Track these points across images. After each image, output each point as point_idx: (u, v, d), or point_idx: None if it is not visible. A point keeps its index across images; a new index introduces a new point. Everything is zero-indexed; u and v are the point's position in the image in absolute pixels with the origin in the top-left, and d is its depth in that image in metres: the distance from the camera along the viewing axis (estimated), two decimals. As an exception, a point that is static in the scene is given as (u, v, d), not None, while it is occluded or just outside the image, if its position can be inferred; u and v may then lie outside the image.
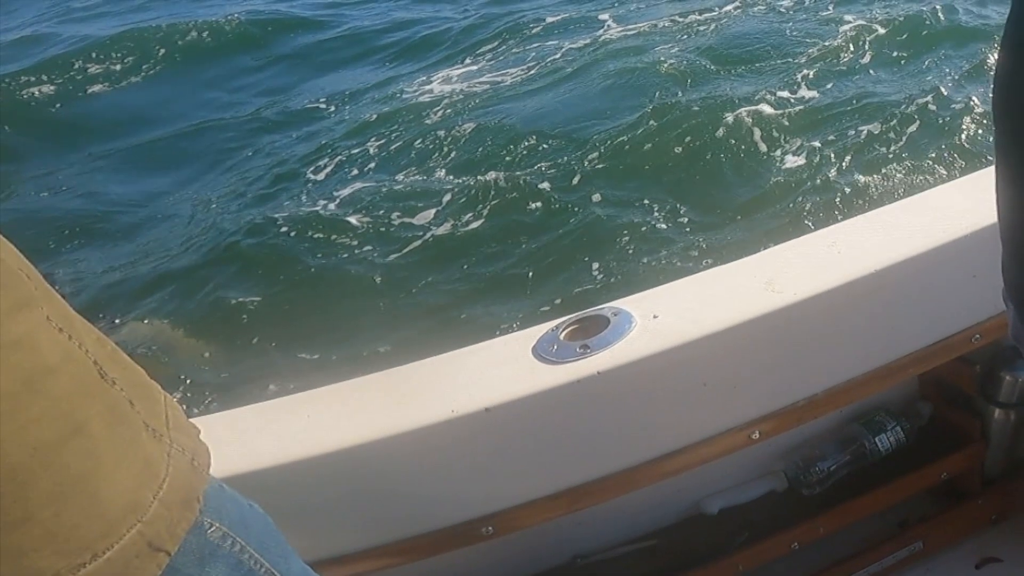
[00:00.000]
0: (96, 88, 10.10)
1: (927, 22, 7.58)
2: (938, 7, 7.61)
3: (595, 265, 5.03)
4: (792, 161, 5.77)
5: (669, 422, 1.66)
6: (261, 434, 1.63)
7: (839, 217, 4.79)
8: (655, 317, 1.61)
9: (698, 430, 1.66)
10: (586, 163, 6.18)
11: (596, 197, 5.74)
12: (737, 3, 8.87)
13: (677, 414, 1.66)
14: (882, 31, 7.76)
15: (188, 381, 4.66)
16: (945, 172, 5.42)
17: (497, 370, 1.62)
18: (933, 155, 5.64)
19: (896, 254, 1.61)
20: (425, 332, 4.71)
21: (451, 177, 6.37)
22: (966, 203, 1.71)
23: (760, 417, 1.68)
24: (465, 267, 5.28)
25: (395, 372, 1.72)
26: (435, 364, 1.71)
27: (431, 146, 6.94)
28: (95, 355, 0.88)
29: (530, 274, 5.09)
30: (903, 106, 6.18)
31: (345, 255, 5.66)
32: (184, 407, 1.07)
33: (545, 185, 5.99)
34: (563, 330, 1.66)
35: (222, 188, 6.92)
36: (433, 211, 5.93)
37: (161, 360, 4.85)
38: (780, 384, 1.68)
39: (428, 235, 5.69)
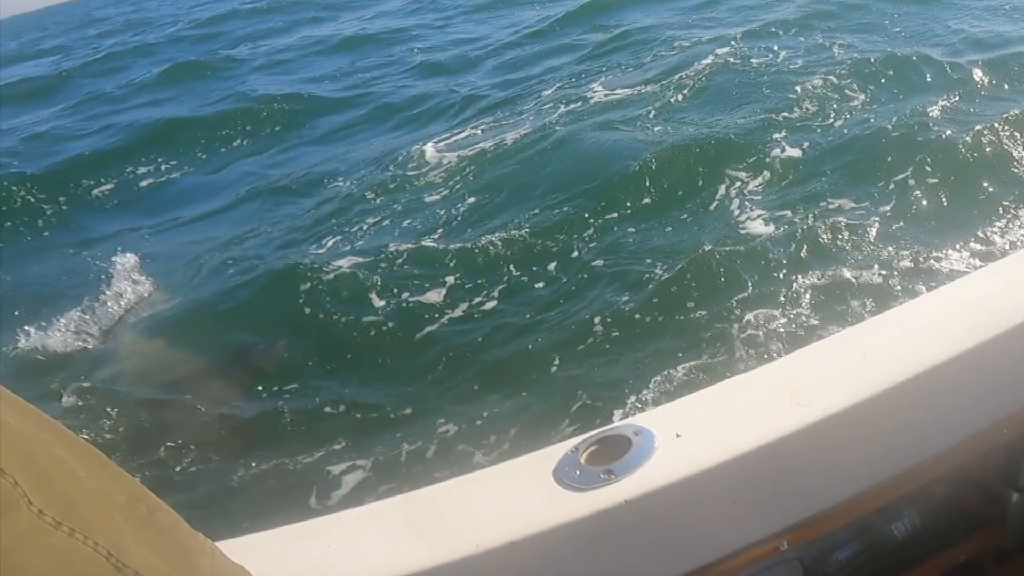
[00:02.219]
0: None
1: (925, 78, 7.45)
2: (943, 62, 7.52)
3: (607, 367, 4.57)
4: (806, 255, 5.25)
5: (696, 541, 1.49)
6: (279, 564, 1.46)
7: (862, 312, 4.52)
8: (678, 436, 1.44)
9: (725, 546, 1.48)
10: (587, 253, 5.84)
11: (609, 294, 5.28)
12: (711, 63, 8.83)
13: (704, 533, 1.49)
14: (868, 88, 7.58)
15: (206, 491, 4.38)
16: (964, 259, 4.96)
17: (519, 498, 1.44)
18: (947, 242, 5.15)
19: (922, 358, 1.44)
20: (440, 433, 4.43)
21: (453, 259, 6.08)
22: (986, 297, 1.53)
23: (788, 528, 1.50)
24: (477, 362, 4.95)
25: (415, 497, 1.55)
26: (455, 489, 1.54)
27: (441, 221, 6.81)
28: (110, 540, 0.71)
29: (544, 375, 4.66)
30: (912, 190, 5.79)
31: (352, 348, 5.38)
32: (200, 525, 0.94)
33: (546, 281, 5.63)
34: (583, 452, 1.48)
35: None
36: (441, 296, 5.65)
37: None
38: (809, 493, 1.51)
39: (437, 324, 5.38)
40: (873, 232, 5.32)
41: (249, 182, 9.31)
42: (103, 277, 6.98)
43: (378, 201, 7.51)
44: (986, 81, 7.30)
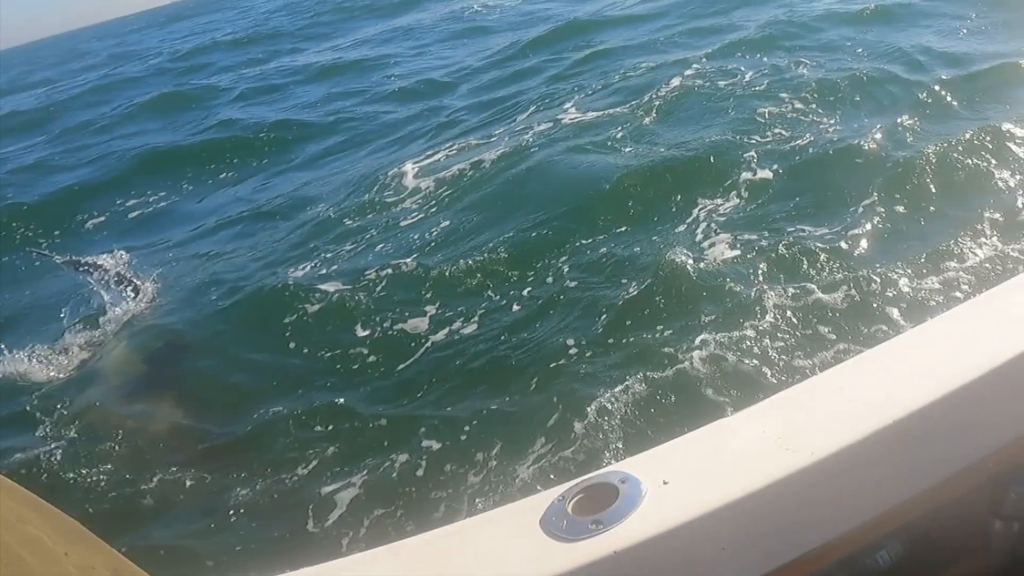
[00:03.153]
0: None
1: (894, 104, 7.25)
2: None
3: (587, 410, 4.19)
4: (783, 286, 4.92)
5: (686, 587, 1.41)
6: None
7: (835, 339, 4.33)
8: (665, 483, 1.37)
9: (714, 589, 1.41)
10: (562, 278, 5.62)
11: (590, 331, 4.92)
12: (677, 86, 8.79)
13: (694, 578, 1.41)
14: (833, 108, 7.43)
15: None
16: (937, 282, 4.69)
17: (508, 549, 1.38)
18: (917, 263, 4.89)
19: (906, 399, 1.38)
20: (426, 449, 4.30)
21: (430, 284, 5.93)
22: (966, 335, 1.48)
23: (776, 568, 1.43)
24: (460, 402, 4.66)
25: (404, 547, 1.48)
26: (443, 539, 1.47)
27: (417, 245, 6.68)
28: None
29: (523, 414, 4.36)
30: (881, 212, 5.58)
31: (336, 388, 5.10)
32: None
33: (527, 313, 5.34)
34: (570, 501, 1.41)
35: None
36: (423, 323, 5.46)
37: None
38: (797, 535, 1.44)
39: (418, 350, 5.18)
40: (844, 256, 5.11)
41: (233, 208, 9.27)
42: (88, 303, 6.88)
43: (358, 225, 7.43)
44: (948, 99, 7.23)
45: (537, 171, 7.35)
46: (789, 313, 4.62)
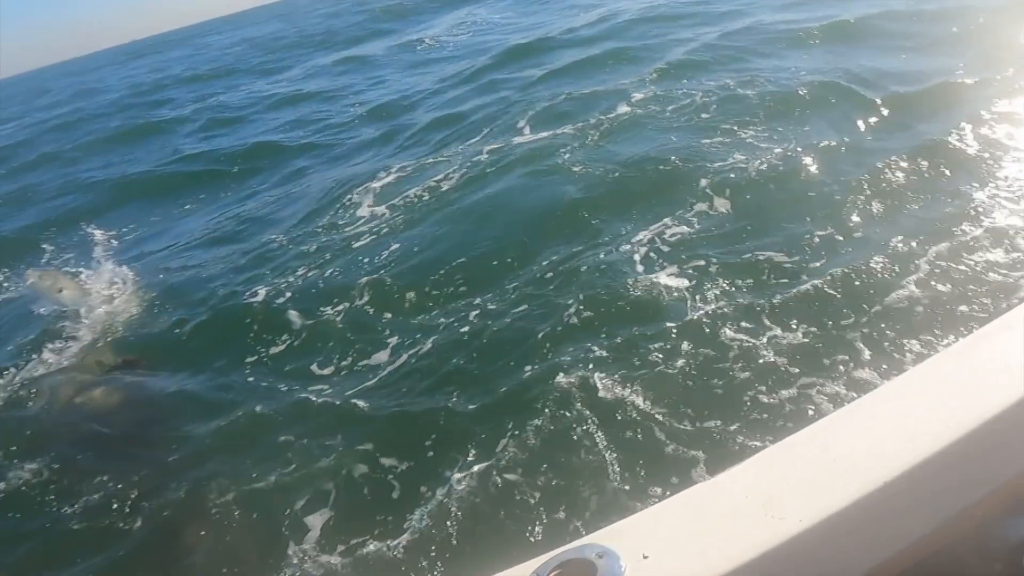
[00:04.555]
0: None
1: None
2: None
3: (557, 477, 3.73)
4: (757, 336, 4.39)
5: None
6: None
7: (822, 403, 3.81)
8: (645, 557, 1.20)
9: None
10: (513, 310, 5.19)
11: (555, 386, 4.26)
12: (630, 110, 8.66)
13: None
14: (780, 126, 7.24)
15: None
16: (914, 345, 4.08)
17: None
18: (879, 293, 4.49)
19: (892, 452, 1.23)
20: (394, 477, 3.98)
21: (385, 313, 5.62)
22: (949, 384, 1.34)
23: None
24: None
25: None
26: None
27: (372, 269, 6.37)
28: None
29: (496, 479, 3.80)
30: (839, 237, 5.21)
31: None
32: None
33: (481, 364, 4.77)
34: (545, 580, 1.23)
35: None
36: (385, 356, 5.06)
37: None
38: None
39: (376, 385, 4.78)
40: (804, 287, 4.68)
41: (199, 231, 9.05)
42: (53, 326, 6.55)
43: (317, 246, 7.21)
44: (892, 117, 7.12)
45: (490, 195, 7.19)
46: (759, 353, 4.22)
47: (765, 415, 3.81)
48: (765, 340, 4.31)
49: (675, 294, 4.90)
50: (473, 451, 3.97)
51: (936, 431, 1.26)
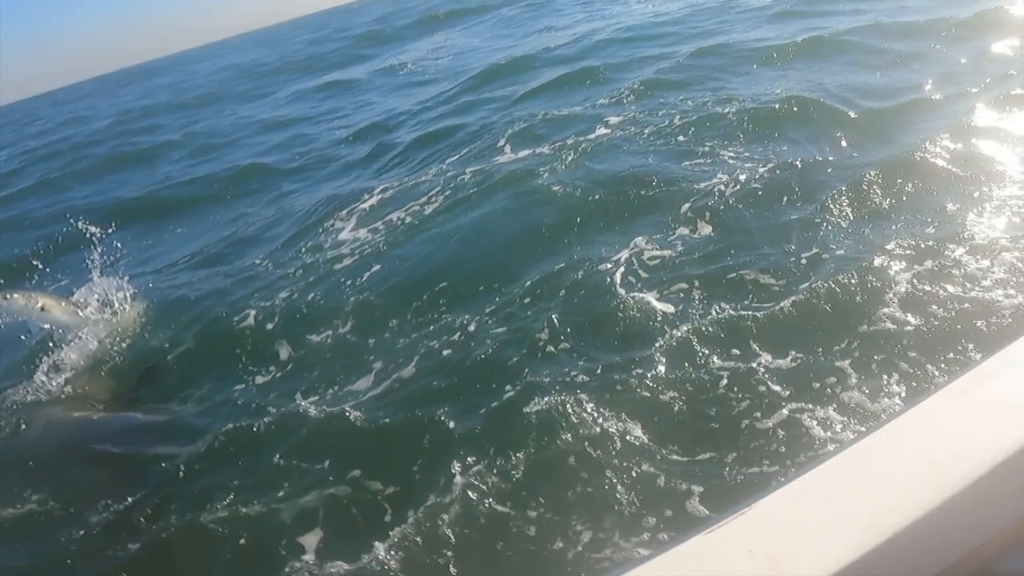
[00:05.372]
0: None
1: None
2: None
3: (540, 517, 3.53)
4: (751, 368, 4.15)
5: None
6: None
7: (813, 427, 3.65)
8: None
9: None
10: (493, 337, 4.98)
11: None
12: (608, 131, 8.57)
13: None
14: (758, 143, 7.07)
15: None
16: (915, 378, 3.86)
17: None
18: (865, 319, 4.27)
19: (899, 503, 1.15)
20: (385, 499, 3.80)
21: (369, 339, 5.41)
22: (947, 426, 1.26)
23: None
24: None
25: None
26: None
27: (356, 292, 6.17)
28: None
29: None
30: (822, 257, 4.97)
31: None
32: None
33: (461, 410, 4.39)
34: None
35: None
36: (367, 382, 4.86)
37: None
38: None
39: (361, 411, 4.58)
40: (785, 305, 4.51)
41: (188, 254, 8.87)
42: (37, 347, 6.40)
43: (300, 271, 7.04)
44: (876, 130, 7.01)
45: (472, 217, 7.08)
46: (745, 377, 4.03)
47: (757, 442, 3.69)
48: (751, 363, 4.19)
49: (658, 317, 4.77)
50: (457, 477, 3.82)
51: (941, 476, 1.19)
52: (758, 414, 3.85)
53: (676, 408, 4.00)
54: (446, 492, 3.74)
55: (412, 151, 10.53)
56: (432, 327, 5.35)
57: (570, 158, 7.69)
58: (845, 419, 3.72)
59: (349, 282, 6.42)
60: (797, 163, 6.44)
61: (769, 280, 4.85)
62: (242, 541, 3.71)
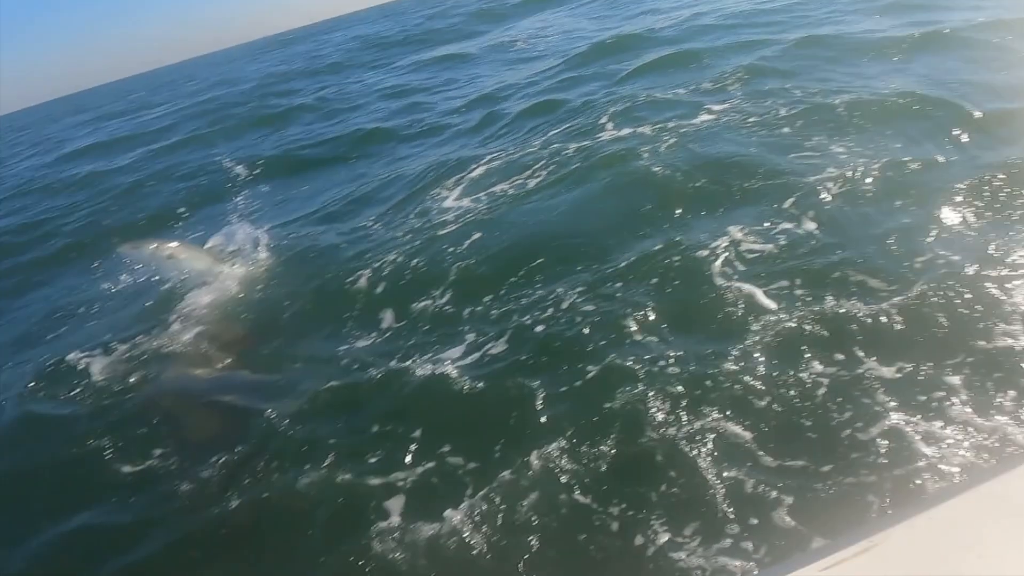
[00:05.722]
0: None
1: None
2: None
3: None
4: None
5: None
6: None
7: (916, 442, 3.17)
8: None
9: None
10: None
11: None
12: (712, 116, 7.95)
13: None
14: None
15: None
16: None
17: None
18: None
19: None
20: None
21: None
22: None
23: None
24: None
25: None
26: None
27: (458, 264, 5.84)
28: None
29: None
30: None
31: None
32: None
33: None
34: None
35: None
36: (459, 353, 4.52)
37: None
38: None
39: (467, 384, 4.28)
40: (892, 309, 3.91)
41: (311, 211, 8.85)
42: (162, 295, 6.42)
43: (408, 234, 6.82)
44: (998, 131, 6.05)
45: (572, 193, 6.66)
46: (846, 383, 3.53)
47: (855, 454, 3.23)
48: (854, 370, 3.68)
49: (755, 311, 4.26)
50: (539, 461, 3.52)
51: None
52: (859, 424, 3.39)
53: (770, 410, 3.57)
54: (526, 474, 3.46)
55: (519, 123, 10.18)
56: (525, 301, 5.04)
57: (671, 141, 7.16)
58: (953, 438, 3.22)
59: (451, 249, 6.17)
60: (913, 162, 5.68)
61: (877, 283, 4.25)
62: (332, 499, 3.55)
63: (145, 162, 15.52)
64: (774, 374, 3.76)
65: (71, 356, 5.51)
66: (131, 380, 5.07)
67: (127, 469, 4.09)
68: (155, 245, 6.35)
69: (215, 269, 6.43)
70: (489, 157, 8.54)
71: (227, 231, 7.45)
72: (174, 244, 6.50)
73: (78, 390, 5.14)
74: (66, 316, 7.05)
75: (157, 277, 6.60)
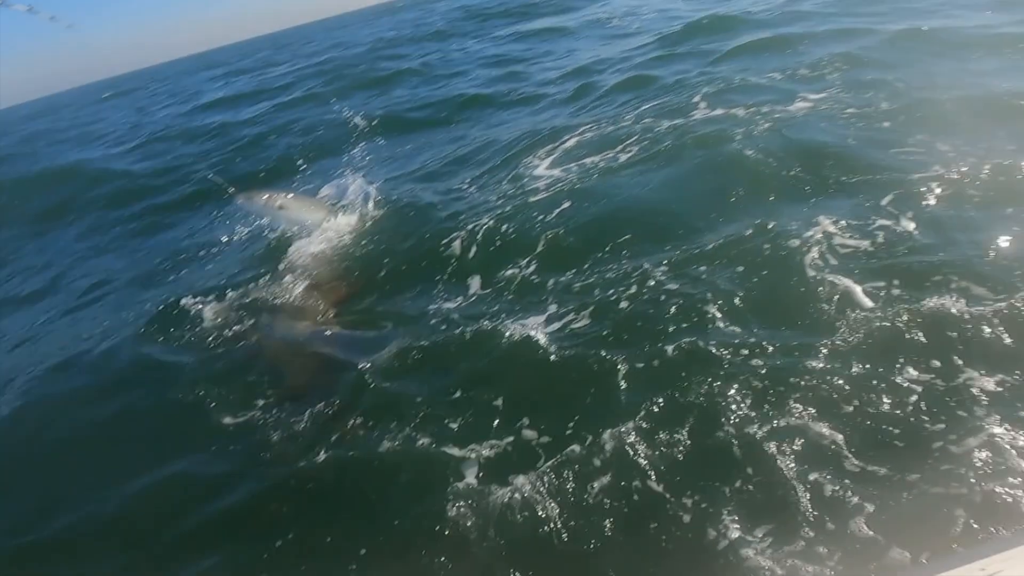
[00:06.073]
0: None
1: None
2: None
3: None
4: None
5: None
6: None
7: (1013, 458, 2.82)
8: None
9: None
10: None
11: None
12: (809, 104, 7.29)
13: None
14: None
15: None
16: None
17: None
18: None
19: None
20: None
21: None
22: None
23: None
24: None
25: None
26: None
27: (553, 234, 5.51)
28: None
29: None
30: None
31: None
32: None
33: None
34: None
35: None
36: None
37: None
38: None
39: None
40: (996, 319, 3.43)
41: (412, 169, 8.70)
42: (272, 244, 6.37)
43: (500, 199, 6.56)
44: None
45: (663, 171, 6.23)
46: (944, 393, 3.10)
47: (946, 466, 2.87)
48: (952, 379, 3.27)
49: (846, 307, 3.84)
50: (612, 442, 3.26)
51: None
52: (953, 436, 3.00)
53: (857, 413, 3.21)
54: (599, 453, 3.23)
55: (612, 97, 9.70)
56: (610, 275, 4.73)
57: (765, 126, 6.60)
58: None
59: (540, 217, 5.89)
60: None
61: (981, 291, 3.75)
62: (412, 460, 3.41)
63: (268, 116, 15.72)
64: (864, 376, 3.38)
65: (185, 300, 5.52)
66: (237, 328, 5.03)
67: (227, 420, 4.03)
68: (271, 195, 6.31)
69: (323, 221, 6.37)
70: (582, 129, 8.16)
71: (337, 184, 7.39)
72: (289, 195, 6.46)
73: (189, 335, 5.15)
74: (187, 259, 7.16)
75: (271, 226, 6.60)
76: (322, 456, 3.51)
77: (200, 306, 5.39)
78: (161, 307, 5.66)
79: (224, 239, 7.12)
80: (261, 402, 4.09)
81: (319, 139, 11.88)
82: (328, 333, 4.70)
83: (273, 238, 6.50)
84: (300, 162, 10.12)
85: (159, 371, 4.73)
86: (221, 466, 3.69)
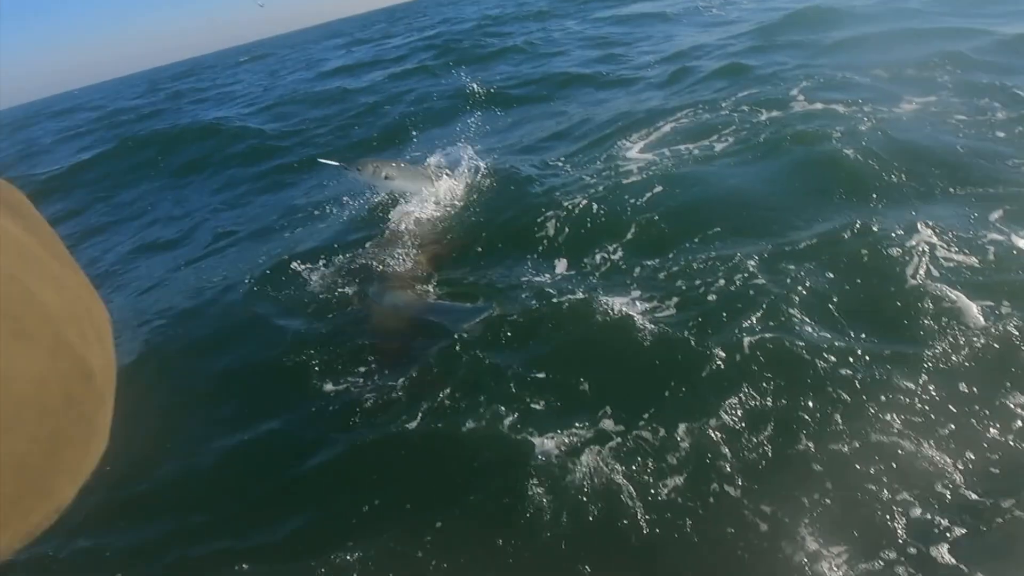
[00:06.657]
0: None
1: None
2: None
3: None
4: None
5: None
6: None
7: None
8: None
9: None
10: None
11: None
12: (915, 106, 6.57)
13: None
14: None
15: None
16: None
17: None
18: None
19: None
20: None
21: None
22: None
23: None
24: None
25: None
26: None
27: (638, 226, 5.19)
28: None
29: None
30: None
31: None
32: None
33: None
34: None
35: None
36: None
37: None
38: None
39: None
40: None
41: (511, 142, 8.49)
42: (376, 211, 6.33)
43: (593, 179, 6.23)
44: None
45: (759, 164, 5.78)
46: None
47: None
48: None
49: (952, 320, 3.42)
50: (688, 440, 3.00)
51: None
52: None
53: (956, 434, 2.86)
54: (678, 450, 2.98)
55: (709, 84, 9.10)
56: (698, 265, 4.41)
57: (867, 125, 5.98)
58: None
59: (632, 201, 5.58)
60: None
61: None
62: (495, 435, 3.26)
63: (383, 85, 15.76)
64: (965, 397, 3.00)
65: (296, 260, 5.49)
66: (340, 292, 4.94)
67: (327, 384, 3.94)
68: (380, 163, 6.26)
69: (429, 189, 6.28)
70: (677, 114, 7.70)
71: (443, 154, 7.28)
72: (397, 163, 6.40)
73: (298, 294, 5.09)
74: (301, 219, 7.20)
75: (379, 191, 6.58)
76: (412, 425, 3.42)
77: (308, 267, 5.40)
78: (273, 267, 5.67)
79: (336, 202, 7.17)
80: (360, 368, 4.02)
81: (429, 110, 11.80)
82: (427, 301, 4.60)
83: (379, 203, 6.48)
84: (411, 131, 10.07)
85: (267, 329, 4.71)
86: (311, 430, 3.63)
